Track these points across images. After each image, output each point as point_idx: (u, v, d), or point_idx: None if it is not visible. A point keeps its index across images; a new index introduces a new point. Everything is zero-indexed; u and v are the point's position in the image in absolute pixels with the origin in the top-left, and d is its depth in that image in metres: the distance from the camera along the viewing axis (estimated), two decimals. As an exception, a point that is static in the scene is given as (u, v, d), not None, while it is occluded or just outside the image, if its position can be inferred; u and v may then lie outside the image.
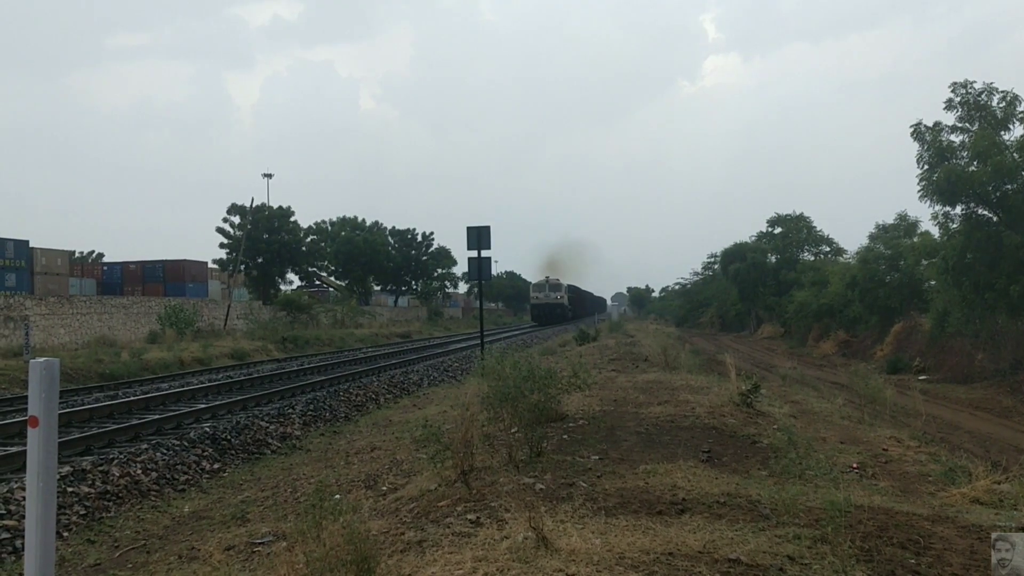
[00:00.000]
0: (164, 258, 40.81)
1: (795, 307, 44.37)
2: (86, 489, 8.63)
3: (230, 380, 18.48)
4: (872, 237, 39.50)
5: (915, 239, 33.15)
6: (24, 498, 5.26)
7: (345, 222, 67.86)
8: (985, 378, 22.36)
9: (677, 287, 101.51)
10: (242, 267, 48.27)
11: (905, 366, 26.97)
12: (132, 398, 14.92)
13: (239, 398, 15.34)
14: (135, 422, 12.24)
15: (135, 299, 34.08)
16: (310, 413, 14.81)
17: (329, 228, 66.69)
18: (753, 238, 59.52)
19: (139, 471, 9.59)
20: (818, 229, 55.21)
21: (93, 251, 62.69)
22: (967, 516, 5.78)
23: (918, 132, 22.76)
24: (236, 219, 48.65)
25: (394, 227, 70.84)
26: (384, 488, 8.15)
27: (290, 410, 14.57)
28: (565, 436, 8.37)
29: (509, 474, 6.43)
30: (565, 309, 66.53)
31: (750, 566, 4.14)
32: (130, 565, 6.80)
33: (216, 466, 10.77)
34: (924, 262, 28.61)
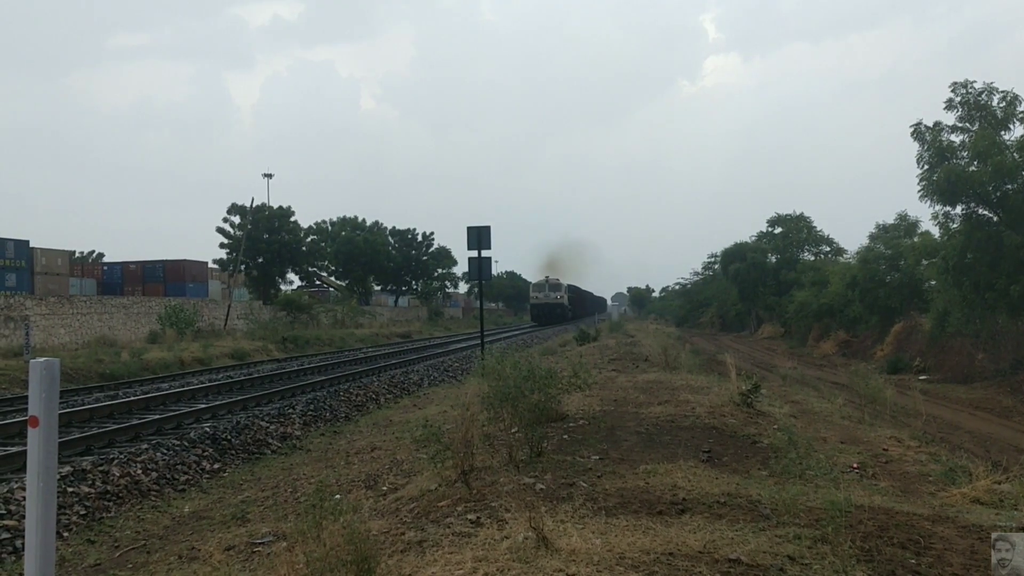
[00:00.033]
0: (164, 258, 40.83)
1: (795, 307, 44.37)
2: (86, 489, 8.63)
3: (230, 380, 18.48)
4: (872, 237, 39.54)
5: (915, 239, 33.12)
6: (24, 498, 5.26)
7: (345, 222, 67.86)
8: (985, 378, 22.36)
9: (677, 287, 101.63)
10: (242, 267, 48.26)
11: (905, 366, 26.96)
12: (132, 398, 14.92)
13: (239, 398, 15.34)
14: (135, 422, 12.24)
15: (135, 299, 34.06)
16: (310, 413, 14.81)
17: (329, 228, 66.71)
18: (753, 238, 59.56)
19: (139, 471, 9.60)
20: (818, 229, 55.36)
21: (93, 251, 62.78)
22: (967, 516, 5.78)
23: (918, 132, 22.76)
24: (236, 219, 48.68)
25: (394, 227, 70.98)
26: (384, 488, 8.15)
27: (290, 410, 14.57)
28: (565, 436, 8.36)
29: (509, 474, 6.42)
30: (565, 309, 66.45)
31: (750, 566, 4.14)
32: (130, 565, 6.80)
33: (216, 466, 10.78)
34: (924, 262, 28.59)
